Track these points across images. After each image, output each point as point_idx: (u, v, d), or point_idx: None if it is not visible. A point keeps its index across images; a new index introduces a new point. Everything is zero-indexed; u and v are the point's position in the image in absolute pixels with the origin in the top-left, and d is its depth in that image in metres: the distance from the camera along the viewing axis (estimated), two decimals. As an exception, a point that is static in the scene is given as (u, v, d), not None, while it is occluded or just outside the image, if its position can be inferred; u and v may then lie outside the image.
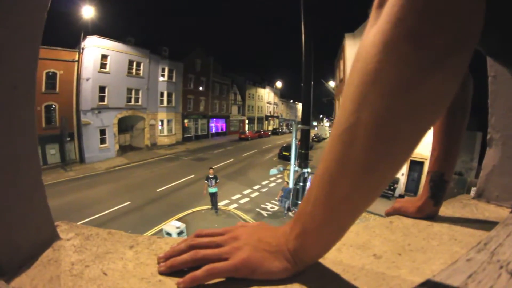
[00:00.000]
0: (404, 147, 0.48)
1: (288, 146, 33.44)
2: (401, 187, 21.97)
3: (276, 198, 17.08)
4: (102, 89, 31.11)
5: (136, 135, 37.90)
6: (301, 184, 9.81)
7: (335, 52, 36.16)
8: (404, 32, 0.40)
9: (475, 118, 1.13)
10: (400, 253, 0.84)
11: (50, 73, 26.15)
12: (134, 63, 35.18)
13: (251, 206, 18.91)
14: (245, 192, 21.67)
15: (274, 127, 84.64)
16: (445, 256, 0.82)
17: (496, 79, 1.35)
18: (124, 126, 35.81)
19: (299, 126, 9.82)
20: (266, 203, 19.00)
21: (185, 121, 46.15)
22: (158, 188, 21.65)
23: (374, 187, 0.52)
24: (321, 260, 0.74)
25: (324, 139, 69.38)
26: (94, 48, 29.95)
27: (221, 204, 18.08)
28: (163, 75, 39.75)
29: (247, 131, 62.32)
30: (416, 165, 21.47)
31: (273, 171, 14.86)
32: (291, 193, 15.42)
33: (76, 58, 28.49)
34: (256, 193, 21.70)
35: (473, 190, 1.50)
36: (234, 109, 64.11)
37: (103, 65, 31.08)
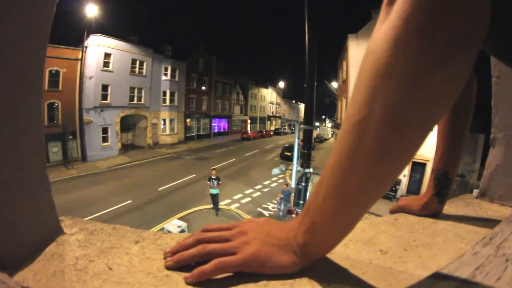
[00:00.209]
0: (414, 139, 0.48)
1: (290, 146, 33.46)
2: (403, 188, 21.96)
3: (276, 200, 17.01)
4: (105, 87, 31.16)
5: (138, 134, 37.92)
6: (303, 184, 9.79)
7: (338, 53, 36.11)
8: (414, 28, 0.42)
9: (477, 120, 1.13)
10: (406, 248, 0.84)
11: (53, 71, 26.14)
12: (137, 62, 35.19)
13: (253, 205, 18.95)
14: (247, 191, 21.69)
15: (276, 127, 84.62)
16: (451, 252, 0.82)
17: (499, 79, 1.36)
18: (127, 124, 35.82)
19: (302, 126, 9.80)
20: (268, 203, 19.01)
21: (188, 120, 46.17)
22: (160, 187, 21.69)
23: (384, 179, 0.53)
24: (328, 255, 0.74)
25: (326, 139, 69.34)
26: (97, 46, 29.99)
27: (222, 203, 18.11)
28: (166, 74, 39.75)
29: (249, 131, 62.42)
30: (418, 167, 21.45)
31: (276, 171, 14.86)
32: (291, 195, 15.41)
33: (79, 57, 28.49)
34: (258, 193, 21.75)
35: (475, 192, 1.50)
36: (237, 109, 64.11)
37: (106, 64, 31.11)
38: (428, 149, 0.89)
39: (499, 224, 0.70)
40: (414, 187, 22.08)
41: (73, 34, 28.01)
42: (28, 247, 0.69)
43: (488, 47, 0.75)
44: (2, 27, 0.58)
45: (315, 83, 9.31)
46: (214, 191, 16.31)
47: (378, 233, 0.96)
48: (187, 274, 0.63)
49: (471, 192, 1.52)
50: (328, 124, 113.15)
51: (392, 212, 1.23)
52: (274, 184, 24.09)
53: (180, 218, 15.54)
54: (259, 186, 23.31)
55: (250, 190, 22.07)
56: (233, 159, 33.31)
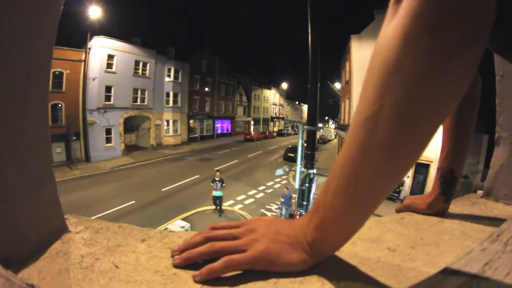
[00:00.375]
0: (424, 134, 0.49)
1: (293, 147, 33.50)
2: (406, 189, 21.91)
3: (277, 204, 16.96)
4: (108, 88, 31.29)
5: (142, 135, 38.08)
6: (306, 185, 9.77)
7: (341, 54, 36.09)
8: (422, 25, 0.43)
9: (481, 120, 1.13)
10: (413, 246, 0.85)
11: (57, 73, 26.28)
12: (141, 63, 35.36)
13: (256, 207, 18.92)
14: (250, 193, 21.69)
15: (280, 128, 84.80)
16: (458, 250, 0.82)
17: (503, 78, 1.36)
18: (130, 125, 35.99)
19: (305, 127, 9.79)
20: (271, 204, 18.99)
21: (191, 121, 46.36)
22: (163, 187, 21.70)
23: (395, 174, 0.53)
24: (337, 253, 0.73)
25: (329, 140, 69.47)
26: (101, 48, 30.14)
27: (226, 204, 18.08)
28: (169, 76, 39.92)
29: (252, 132, 62.66)
30: (422, 168, 21.40)
31: (279, 171, 14.84)
32: (292, 199, 15.37)
33: (83, 58, 28.62)
34: (261, 194, 21.72)
35: (479, 193, 1.51)
36: (240, 110, 64.28)
37: (109, 65, 31.27)
38: (431, 150, 0.88)
39: (505, 222, 0.71)
40: (417, 188, 22.01)
41: (76, 35, 28.20)
42: (32, 245, 0.69)
43: (492, 45, 0.75)
44: (10, 23, 0.59)
45: (319, 84, 9.30)
46: (217, 193, 16.15)
47: (385, 231, 0.96)
48: (196, 272, 0.62)
49: (475, 193, 1.51)
50: (331, 125, 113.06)
51: (398, 211, 1.23)
52: (277, 185, 24.06)
53: (184, 219, 15.56)
54: (262, 187, 23.29)
55: (254, 191, 22.06)
56: (236, 160, 33.33)
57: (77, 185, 21.24)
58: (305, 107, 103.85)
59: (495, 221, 1.09)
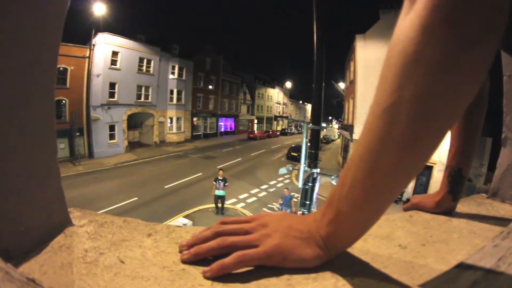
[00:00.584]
0: (442, 125, 0.50)
1: (296, 146, 33.55)
2: (409, 191, 21.84)
3: (276, 206, 16.90)
4: (112, 85, 31.41)
5: (145, 132, 38.22)
6: (310, 184, 9.74)
7: (346, 53, 36.02)
8: (440, 16, 0.43)
9: (485, 123, 1.14)
10: (424, 244, 0.85)
11: (61, 69, 26.36)
12: (145, 60, 35.46)
13: (258, 205, 18.98)
14: (253, 191, 21.73)
15: (283, 127, 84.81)
16: (468, 248, 0.83)
17: (511, 78, 1.35)
18: (133, 122, 36.15)
19: (310, 126, 9.77)
20: (273, 203, 18.95)
21: (194, 119, 46.48)
22: (166, 185, 21.78)
23: (414, 165, 0.53)
24: (349, 250, 0.73)
25: (333, 140, 69.40)
26: (105, 44, 30.24)
27: (228, 202, 18.12)
28: (173, 73, 40.02)
29: (256, 131, 62.64)
30: (425, 170, 21.31)
31: (283, 170, 14.81)
32: (293, 200, 15.33)
33: (87, 54, 28.73)
34: (264, 193, 21.77)
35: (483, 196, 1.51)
36: (243, 109, 64.38)
37: (113, 62, 31.38)
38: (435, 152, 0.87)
39: None
40: (420, 190, 21.96)
41: (81, 32, 28.27)
42: (34, 237, 0.67)
43: (501, 43, 0.73)
44: (17, 16, 0.58)
45: (323, 84, 9.29)
46: (220, 192, 15.98)
47: (395, 229, 0.97)
48: (206, 268, 0.61)
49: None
50: (335, 125, 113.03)
51: (406, 209, 1.24)
52: (280, 184, 24.08)
53: (186, 216, 15.60)
54: (265, 186, 23.36)
55: (256, 190, 22.10)
56: (240, 159, 33.41)
57: (80, 181, 21.38)
58: (308, 107, 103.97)
59: (503, 221, 1.10)
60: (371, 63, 24.89)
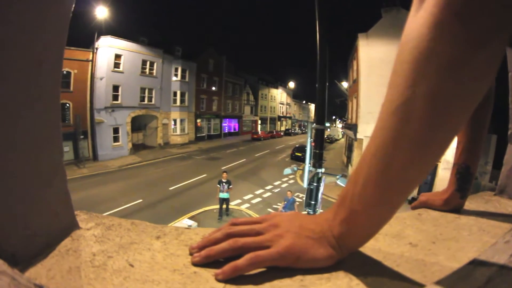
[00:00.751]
0: (456, 120, 0.50)
1: (300, 146, 33.54)
2: (414, 190, 21.75)
3: (279, 209, 16.80)
4: (115, 88, 31.55)
5: (149, 134, 38.32)
6: (315, 184, 9.72)
7: (349, 52, 35.95)
8: (450, 13, 0.43)
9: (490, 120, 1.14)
10: (434, 241, 0.85)
11: (65, 72, 26.43)
12: (148, 63, 35.59)
13: (263, 206, 18.94)
14: (257, 192, 21.68)
15: (287, 127, 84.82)
16: (478, 245, 0.83)
17: None
18: (137, 125, 36.25)
19: (314, 126, 9.76)
20: (278, 204, 18.91)
21: (198, 120, 46.57)
22: (170, 186, 21.79)
23: (428, 161, 0.53)
24: (360, 249, 0.73)
25: (336, 140, 69.33)
26: (108, 48, 30.37)
27: (233, 203, 18.10)
28: (176, 75, 40.13)
29: (259, 132, 62.71)
30: (429, 168, 21.23)
31: (287, 170, 14.79)
32: (295, 203, 15.27)
33: (90, 58, 28.87)
34: (268, 193, 21.71)
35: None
36: (247, 109, 64.47)
37: (116, 65, 31.50)
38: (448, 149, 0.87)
39: None
40: (425, 189, 21.83)
41: (83, 35, 28.40)
42: (41, 241, 0.66)
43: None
44: (21, 12, 0.57)
45: (327, 83, 9.27)
46: (224, 195, 15.74)
47: (405, 227, 0.97)
48: (218, 271, 0.60)
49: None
50: (339, 124, 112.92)
51: (414, 207, 1.24)
52: (284, 185, 24.05)
53: (191, 218, 15.59)
54: (269, 187, 23.29)
55: (261, 191, 22.06)
56: (244, 160, 33.39)
57: (84, 183, 21.40)
58: (312, 106, 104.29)
59: (510, 218, 1.10)
60: (374, 62, 24.85)
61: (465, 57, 0.44)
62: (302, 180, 11.46)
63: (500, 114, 1.42)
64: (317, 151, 9.90)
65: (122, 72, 31.96)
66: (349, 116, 36.42)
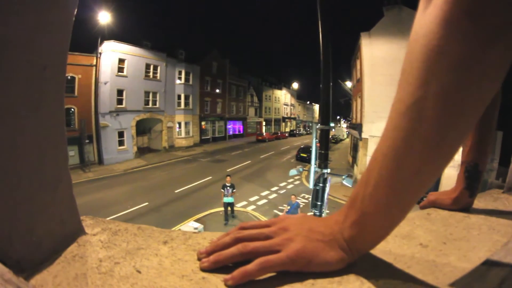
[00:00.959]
0: (469, 119, 0.49)
1: (305, 147, 33.51)
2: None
3: (283, 213, 16.71)
4: (120, 92, 31.76)
5: (154, 137, 38.49)
6: (320, 185, 9.69)
7: (352, 52, 35.89)
8: (461, 10, 0.43)
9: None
10: (444, 242, 0.84)
11: (69, 77, 26.60)
12: (151, 67, 35.81)
13: (269, 207, 18.95)
14: (263, 193, 21.70)
15: (292, 128, 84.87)
16: (489, 244, 0.82)
17: None
18: (142, 128, 36.45)
19: (319, 126, 9.73)
20: (284, 205, 18.93)
21: (203, 123, 46.75)
22: (176, 189, 21.86)
23: (441, 161, 0.52)
24: (371, 251, 0.72)
25: (341, 140, 69.25)
26: (111, 52, 30.61)
27: (239, 205, 18.14)
28: (180, 78, 40.31)
29: (264, 133, 62.87)
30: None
31: (293, 171, 14.75)
32: (299, 208, 15.21)
33: (94, 63, 29.12)
34: (274, 195, 21.72)
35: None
36: (251, 111, 64.56)
37: (120, 69, 31.75)
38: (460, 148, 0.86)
39: None
40: (432, 187, 21.71)
41: (87, 41, 28.73)
42: (47, 248, 0.65)
43: None
44: (25, 16, 0.56)
45: (331, 83, 9.26)
46: (228, 199, 15.65)
47: (414, 227, 0.96)
48: (227, 276, 0.59)
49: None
50: (343, 124, 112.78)
51: (423, 207, 1.22)
52: (290, 186, 24.10)
53: (197, 220, 15.62)
54: (275, 188, 23.30)
55: (266, 192, 22.08)
56: (249, 161, 33.44)
57: (90, 187, 21.56)
58: (316, 107, 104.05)
59: None
60: (377, 61, 24.82)
61: (476, 55, 0.44)
62: (308, 181, 11.43)
63: (506, 110, 1.40)
64: (323, 152, 9.88)
65: (126, 76, 32.18)
66: (354, 116, 36.36)
